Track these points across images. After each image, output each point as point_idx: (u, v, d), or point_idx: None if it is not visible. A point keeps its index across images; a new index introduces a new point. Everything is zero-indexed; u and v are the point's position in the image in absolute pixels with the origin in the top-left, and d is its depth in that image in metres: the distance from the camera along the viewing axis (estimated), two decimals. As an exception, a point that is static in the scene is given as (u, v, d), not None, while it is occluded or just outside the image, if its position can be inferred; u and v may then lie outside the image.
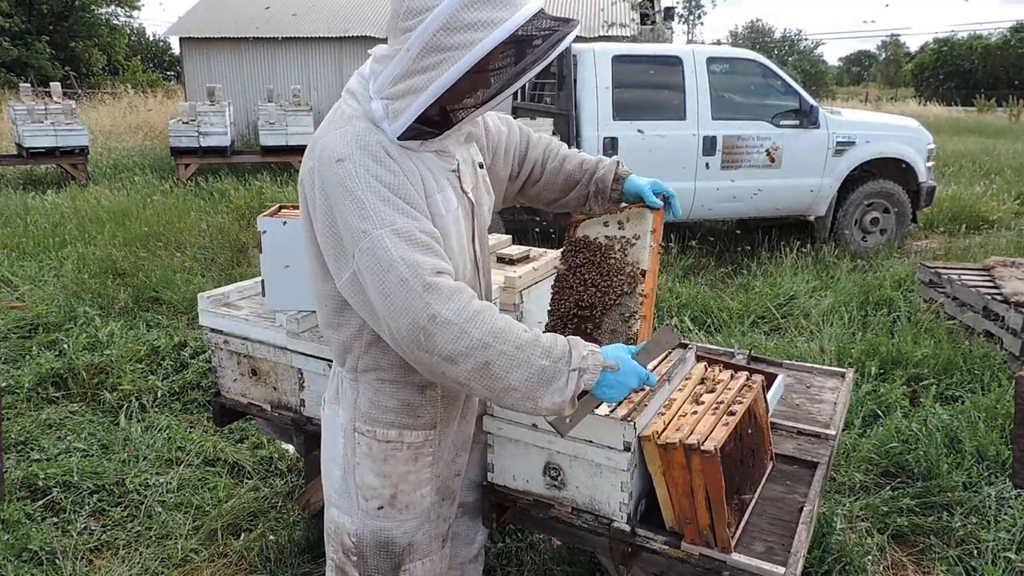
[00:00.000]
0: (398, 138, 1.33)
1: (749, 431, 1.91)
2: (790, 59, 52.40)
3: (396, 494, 1.53)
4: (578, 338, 1.37)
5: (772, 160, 6.33)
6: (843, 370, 2.71)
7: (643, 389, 1.54)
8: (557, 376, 1.30)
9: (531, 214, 6.19)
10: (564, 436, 1.57)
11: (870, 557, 2.52)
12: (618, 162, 1.84)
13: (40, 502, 2.88)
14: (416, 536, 1.58)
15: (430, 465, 1.56)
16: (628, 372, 1.37)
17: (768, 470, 2.05)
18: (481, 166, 1.62)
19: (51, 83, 12.90)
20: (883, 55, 68.55)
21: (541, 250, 2.88)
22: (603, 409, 1.77)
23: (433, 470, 1.57)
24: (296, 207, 2.43)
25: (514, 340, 1.27)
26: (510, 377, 1.28)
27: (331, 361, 1.81)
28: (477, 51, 1.22)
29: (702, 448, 1.61)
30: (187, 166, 10.78)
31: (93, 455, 3.23)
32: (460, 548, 1.90)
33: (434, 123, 1.33)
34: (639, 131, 6.09)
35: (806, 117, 6.41)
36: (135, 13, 43.66)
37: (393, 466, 1.51)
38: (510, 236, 3.08)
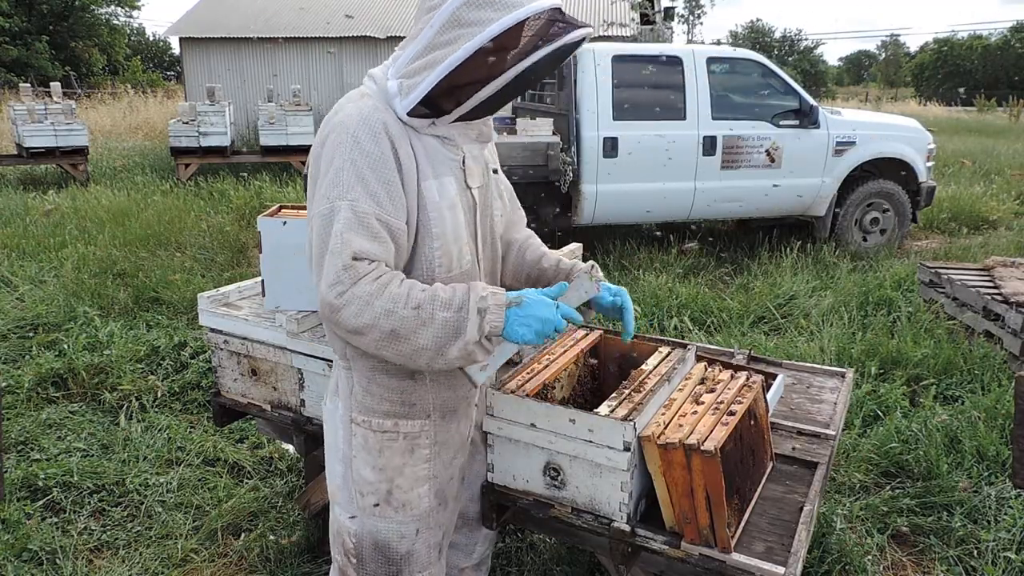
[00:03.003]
0: (408, 114, 1.36)
1: (750, 431, 1.91)
2: (790, 59, 52.40)
3: (392, 489, 1.50)
4: (479, 282, 1.39)
5: (772, 160, 6.33)
6: (843, 370, 2.71)
7: (562, 332, 1.45)
8: (461, 324, 1.32)
9: (531, 214, 6.19)
10: (478, 386, 1.56)
11: (870, 557, 2.52)
12: (592, 266, 1.67)
13: (40, 502, 2.88)
14: (416, 545, 1.55)
15: (427, 460, 1.54)
16: (534, 304, 1.37)
17: (768, 470, 2.05)
18: (495, 171, 1.61)
19: (51, 83, 12.90)
20: (883, 55, 68.55)
21: (541, 250, 2.87)
22: (603, 409, 1.77)
23: (431, 467, 1.55)
24: (296, 207, 2.43)
25: (414, 301, 1.31)
26: (418, 338, 1.31)
27: (331, 361, 1.81)
28: (495, 28, 1.26)
29: (702, 448, 1.62)
30: (187, 166, 10.78)
31: (93, 455, 3.23)
32: (459, 558, 1.87)
33: (439, 104, 1.35)
34: (639, 132, 6.09)
35: (806, 117, 6.41)
36: (135, 13, 43.63)
37: (389, 458, 1.49)
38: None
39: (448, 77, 1.30)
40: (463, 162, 1.49)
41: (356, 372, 1.49)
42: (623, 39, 12.88)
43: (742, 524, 1.80)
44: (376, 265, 1.31)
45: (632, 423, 1.69)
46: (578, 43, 1.31)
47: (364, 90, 1.42)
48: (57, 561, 2.55)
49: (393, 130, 1.35)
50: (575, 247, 2.86)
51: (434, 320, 1.31)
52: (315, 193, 1.36)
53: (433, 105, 1.35)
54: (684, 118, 6.15)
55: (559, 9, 1.31)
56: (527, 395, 1.86)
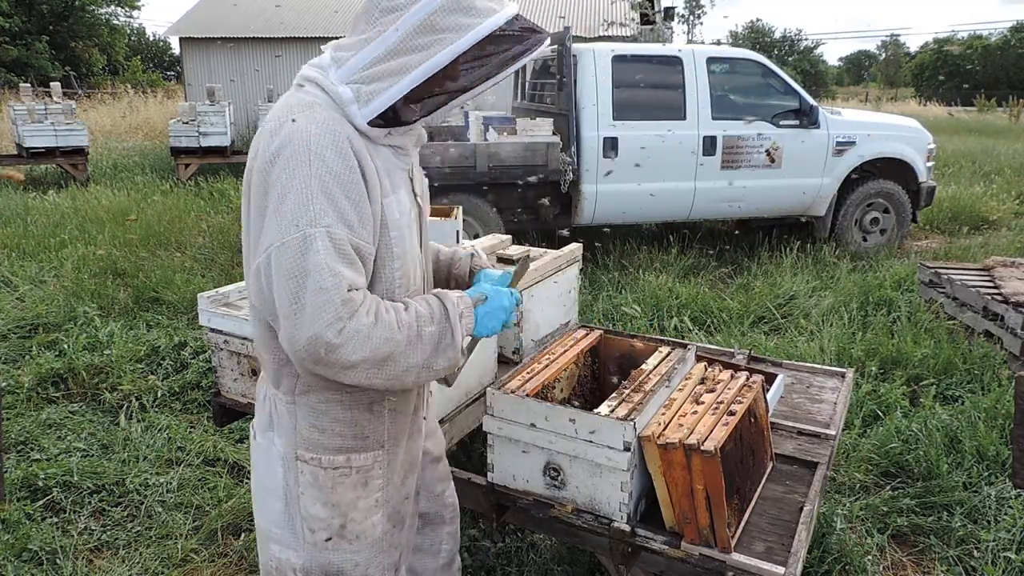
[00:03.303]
0: (368, 123, 1.28)
1: (750, 431, 1.91)
2: (790, 59, 52.40)
3: (346, 523, 1.41)
4: (440, 289, 1.38)
5: (772, 160, 6.33)
6: (843, 370, 2.71)
7: (517, 313, 1.48)
8: (444, 334, 1.31)
9: (531, 214, 6.20)
10: (451, 386, 1.57)
11: (870, 557, 2.52)
12: (472, 255, 1.70)
13: (40, 502, 2.88)
14: (370, 570, 1.46)
15: (380, 489, 1.44)
16: (495, 297, 1.41)
17: (768, 470, 2.05)
18: (426, 176, 1.56)
19: (51, 83, 12.91)
20: (883, 55, 68.56)
21: (541, 250, 2.88)
22: (603, 409, 1.77)
23: (384, 494, 1.45)
24: None
25: (404, 324, 1.27)
26: (408, 359, 1.27)
27: None
28: (474, 34, 1.23)
29: (702, 448, 1.62)
30: (187, 166, 10.78)
31: (93, 455, 3.23)
32: (427, 560, 1.77)
33: (400, 113, 1.29)
34: (639, 132, 6.10)
35: (806, 117, 6.40)
36: (135, 13, 43.63)
37: (341, 494, 1.39)
38: (510, 236, 3.08)
39: (422, 84, 1.25)
40: (411, 171, 1.43)
41: (302, 408, 1.37)
42: (623, 39, 12.89)
43: (742, 524, 1.80)
44: (365, 294, 1.24)
45: (632, 423, 1.69)
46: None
47: (308, 98, 1.27)
48: (57, 561, 2.55)
49: (356, 144, 1.25)
50: (575, 247, 2.86)
51: (422, 337, 1.29)
52: (270, 220, 1.20)
53: (394, 113, 1.28)
54: (684, 118, 6.15)
55: (519, 16, 1.30)
56: (527, 395, 1.86)
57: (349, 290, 1.20)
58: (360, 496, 1.41)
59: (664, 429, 1.72)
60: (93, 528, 2.76)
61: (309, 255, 1.17)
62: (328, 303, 1.17)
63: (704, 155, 6.18)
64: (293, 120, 1.22)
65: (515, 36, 1.27)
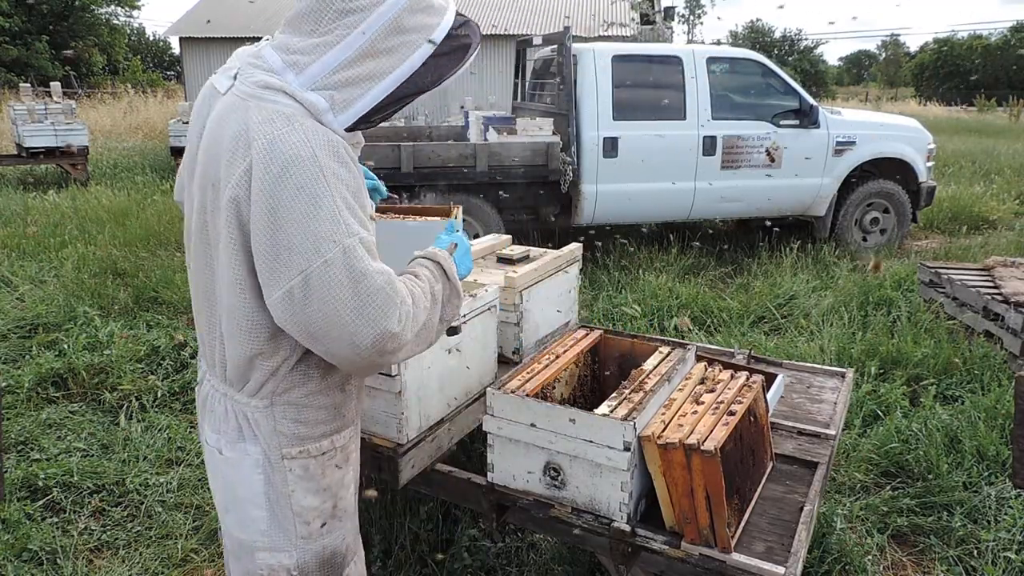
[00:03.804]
0: (346, 129, 1.26)
1: (750, 431, 1.91)
2: (790, 59, 52.40)
3: (336, 503, 1.45)
4: (421, 251, 1.44)
5: (772, 160, 6.34)
6: (843, 370, 2.71)
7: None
8: (446, 288, 1.39)
9: (531, 214, 6.20)
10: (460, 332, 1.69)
11: (870, 557, 2.52)
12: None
13: (40, 502, 2.88)
14: (347, 539, 1.51)
15: (356, 460, 1.51)
16: (461, 243, 1.53)
17: (768, 470, 2.05)
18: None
19: (51, 83, 12.91)
20: (883, 55, 68.57)
21: (541, 250, 2.88)
22: (603, 409, 1.77)
23: (356, 464, 1.52)
24: None
25: (425, 292, 1.33)
26: (434, 319, 1.34)
27: None
28: (439, 33, 1.26)
29: (702, 448, 1.62)
30: (187, 166, 10.77)
31: (93, 455, 3.23)
32: None
33: (370, 116, 1.28)
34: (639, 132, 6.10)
35: (806, 117, 6.41)
36: (135, 13, 43.65)
37: (331, 476, 1.42)
38: (510, 236, 3.08)
39: (399, 87, 1.25)
40: None
41: (280, 408, 1.35)
42: (623, 39, 12.89)
43: (742, 524, 1.80)
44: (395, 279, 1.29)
45: (632, 423, 1.69)
46: None
47: (283, 108, 1.20)
48: (57, 561, 2.55)
49: (348, 150, 1.25)
50: (575, 247, 2.86)
51: (437, 297, 1.35)
52: (297, 241, 1.16)
53: (365, 117, 1.28)
54: (684, 118, 6.15)
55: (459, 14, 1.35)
56: (527, 395, 1.86)
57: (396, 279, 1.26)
58: (344, 473, 1.45)
59: (664, 429, 1.72)
60: (93, 528, 2.76)
61: (355, 263, 1.18)
62: (386, 300, 1.21)
63: (704, 155, 6.18)
64: (284, 134, 1.18)
65: (461, 32, 1.31)
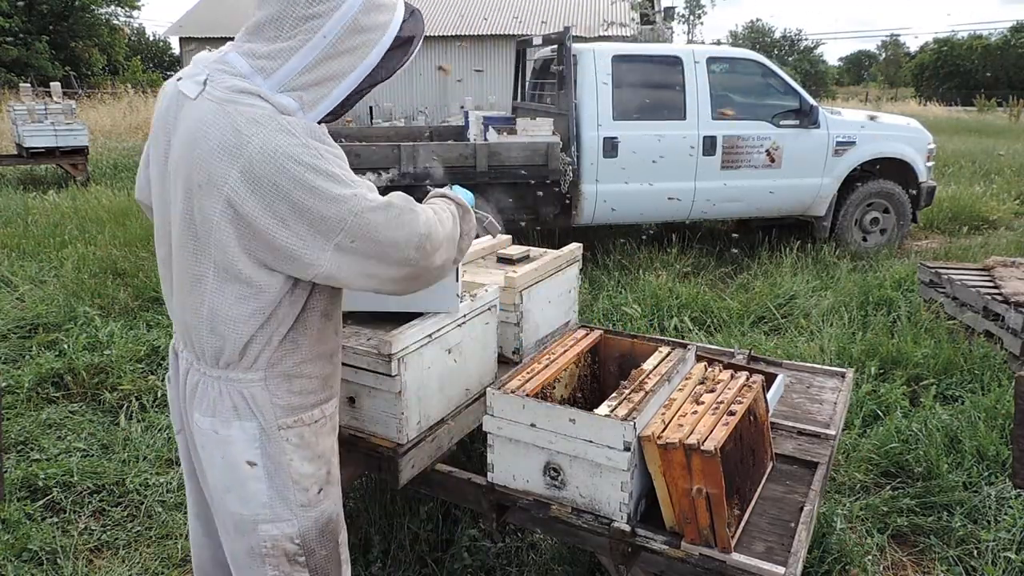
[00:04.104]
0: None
1: (750, 431, 1.91)
2: (790, 59, 52.40)
3: (330, 469, 1.54)
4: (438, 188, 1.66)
5: (772, 160, 6.34)
6: (843, 370, 2.71)
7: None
8: (459, 208, 1.57)
9: (531, 214, 6.20)
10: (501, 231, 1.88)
11: (870, 557, 2.52)
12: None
13: (40, 502, 2.88)
14: (339, 505, 1.59)
15: (337, 428, 1.60)
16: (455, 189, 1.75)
17: (768, 470, 2.05)
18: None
19: (51, 83, 12.91)
20: (883, 55, 68.57)
21: (541, 250, 2.88)
22: (603, 409, 1.77)
23: (337, 432, 1.60)
24: None
25: (440, 207, 1.52)
26: (456, 231, 1.52)
27: None
28: (392, 29, 1.36)
29: (702, 448, 1.62)
30: (187, 166, 10.77)
31: (93, 455, 3.23)
32: None
33: (334, 111, 1.39)
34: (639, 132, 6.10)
35: (806, 117, 6.41)
36: (135, 13, 43.62)
37: (323, 444, 1.52)
38: (510, 236, 3.08)
39: (364, 80, 1.36)
40: None
41: (274, 380, 1.42)
42: (623, 39, 12.90)
43: (742, 524, 1.80)
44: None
45: (632, 423, 1.69)
46: None
47: (258, 113, 1.27)
48: (57, 561, 2.55)
49: (325, 131, 1.36)
50: (575, 247, 2.86)
51: (454, 215, 1.53)
52: (324, 207, 1.27)
53: (331, 113, 1.38)
54: (684, 118, 6.15)
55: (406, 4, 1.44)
56: (527, 395, 1.86)
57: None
58: (333, 440, 1.56)
59: (664, 429, 1.72)
60: (93, 528, 2.76)
61: (377, 201, 1.34)
62: (409, 212, 1.37)
63: (704, 155, 6.18)
64: (272, 131, 1.26)
65: (409, 24, 1.40)
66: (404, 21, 1.38)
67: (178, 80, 1.38)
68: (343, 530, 1.61)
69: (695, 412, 1.79)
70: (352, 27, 1.31)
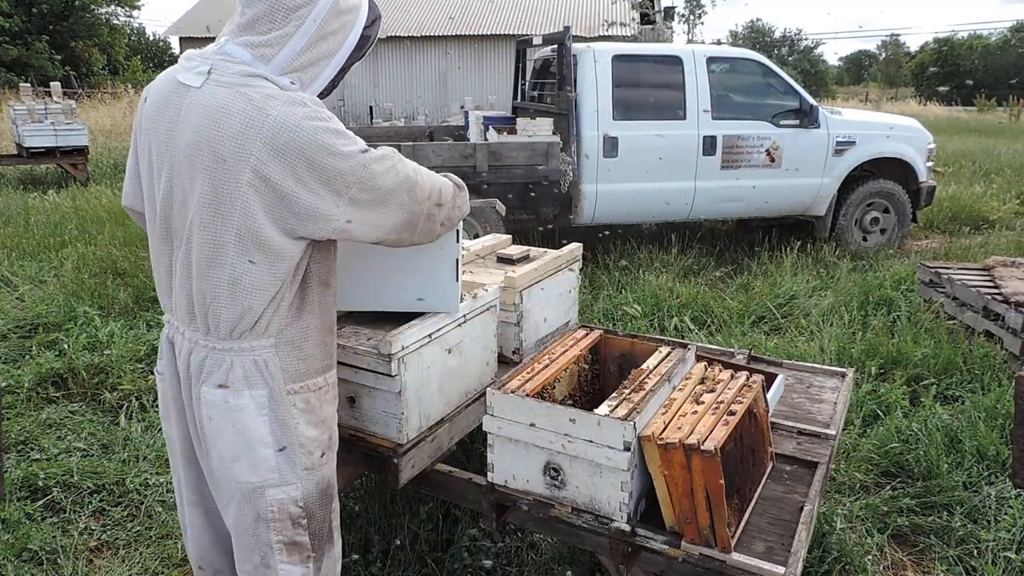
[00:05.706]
0: None
1: (750, 431, 1.91)
2: (790, 59, 52.39)
3: (332, 435, 1.64)
4: None
5: (772, 160, 6.34)
6: (843, 370, 2.71)
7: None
8: (458, 181, 1.76)
9: (531, 214, 6.19)
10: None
11: (870, 557, 2.52)
12: None
13: (40, 502, 2.88)
14: (334, 471, 1.67)
15: (338, 398, 1.69)
16: None
17: (768, 470, 2.05)
18: None
19: (51, 83, 12.91)
20: (883, 55, 68.55)
21: (541, 250, 2.88)
22: (603, 409, 1.77)
23: (337, 401, 1.69)
24: None
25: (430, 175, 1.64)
26: (446, 190, 1.67)
27: None
28: (365, 8, 1.53)
29: (702, 448, 1.62)
30: (187, 166, 10.77)
31: (93, 455, 3.23)
32: None
33: (328, 86, 1.56)
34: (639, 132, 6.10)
35: (806, 117, 6.41)
36: (135, 13, 43.64)
37: (326, 410, 1.61)
38: (510, 236, 3.08)
39: (349, 57, 1.52)
40: None
41: (283, 347, 1.52)
42: (623, 39, 12.89)
43: (742, 524, 1.80)
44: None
45: (632, 423, 1.69)
46: None
47: (269, 90, 1.41)
48: (57, 561, 2.55)
49: (323, 104, 1.50)
50: (575, 247, 2.86)
51: (442, 176, 1.68)
52: (339, 163, 1.42)
53: (323, 91, 1.55)
54: (684, 118, 6.15)
55: None
56: (527, 395, 1.86)
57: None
58: (333, 408, 1.65)
59: (664, 429, 1.72)
60: (93, 528, 2.76)
61: (374, 154, 1.48)
62: (396, 161, 1.53)
63: (704, 155, 6.18)
64: (286, 104, 1.40)
65: (373, 6, 1.57)
66: (369, 2, 1.56)
67: (176, 73, 1.48)
68: (336, 498, 1.70)
69: (695, 412, 1.79)
70: (335, 10, 1.46)
